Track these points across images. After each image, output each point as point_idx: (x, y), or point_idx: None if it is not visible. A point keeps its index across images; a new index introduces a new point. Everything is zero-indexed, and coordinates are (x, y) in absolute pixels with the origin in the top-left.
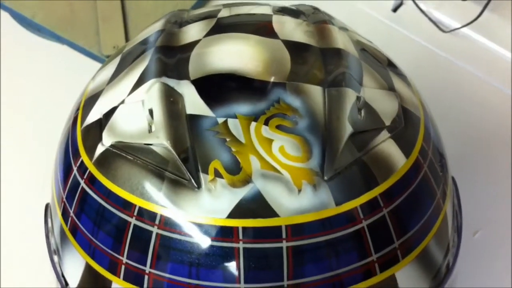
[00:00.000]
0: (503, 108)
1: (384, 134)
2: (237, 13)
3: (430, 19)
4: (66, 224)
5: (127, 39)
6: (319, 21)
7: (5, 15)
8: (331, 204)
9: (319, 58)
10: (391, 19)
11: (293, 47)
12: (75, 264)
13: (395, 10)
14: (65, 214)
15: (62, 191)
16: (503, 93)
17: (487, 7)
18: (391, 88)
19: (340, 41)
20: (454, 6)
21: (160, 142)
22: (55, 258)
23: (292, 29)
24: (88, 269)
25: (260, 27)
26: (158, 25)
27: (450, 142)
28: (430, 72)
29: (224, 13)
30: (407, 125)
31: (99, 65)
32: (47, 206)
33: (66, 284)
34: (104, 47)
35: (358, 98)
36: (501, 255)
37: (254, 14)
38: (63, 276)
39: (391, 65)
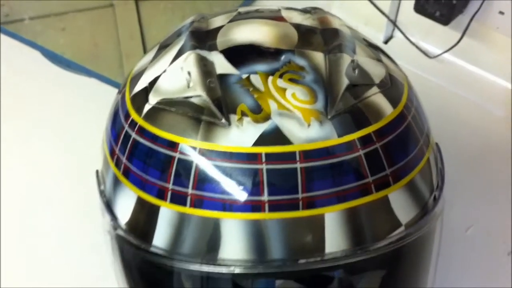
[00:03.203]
0: (485, 122)
1: (375, 89)
2: (252, 10)
3: (418, 47)
4: (119, 170)
5: None
6: (322, 16)
7: (37, 54)
8: (334, 136)
9: (320, 36)
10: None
11: (299, 28)
12: (127, 201)
13: (386, 42)
14: (118, 164)
15: (114, 147)
16: (486, 110)
17: (467, 34)
18: (379, 60)
19: (338, 24)
20: (438, 36)
21: (198, 94)
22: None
23: (298, 20)
24: (139, 201)
25: (272, 17)
26: (187, 21)
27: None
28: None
29: (241, 10)
30: (393, 86)
31: None
32: (97, 172)
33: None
34: None
35: (352, 61)
36: (491, 248)
37: (265, 10)
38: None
39: (382, 51)
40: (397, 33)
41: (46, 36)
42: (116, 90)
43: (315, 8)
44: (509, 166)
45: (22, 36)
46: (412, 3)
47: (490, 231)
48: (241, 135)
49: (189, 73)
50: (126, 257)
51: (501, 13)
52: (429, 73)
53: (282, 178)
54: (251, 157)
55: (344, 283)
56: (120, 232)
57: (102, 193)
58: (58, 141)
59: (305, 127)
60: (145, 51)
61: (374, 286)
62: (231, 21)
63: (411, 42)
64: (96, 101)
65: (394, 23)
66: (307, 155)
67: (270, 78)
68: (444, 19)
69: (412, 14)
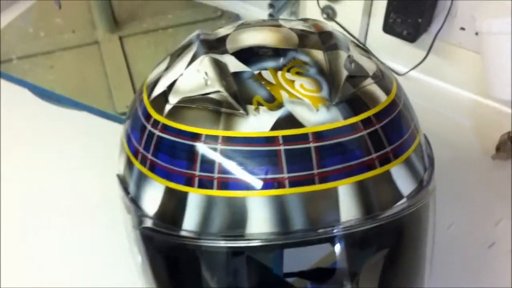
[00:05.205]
0: (454, 132)
1: (369, 80)
2: (252, 21)
3: (387, 67)
4: (145, 166)
5: None
6: (315, 23)
7: (25, 92)
8: (340, 118)
9: (317, 38)
10: None
11: (298, 31)
12: (155, 193)
13: None
14: (143, 161)
15: (138, 146)
16: (454, 121)
17: (432, 51)
18: (370, 58)
19: (330, 28)
20: (405, 55)
21: (216, 89)
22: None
23: (295, 25)
24: (167, 191)
25: (272, 24)
26: (193, 34)
27: None
28: None
29: (241, 22)
30: (384, 78)
31: (114, 124)
32: (118, 176)
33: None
34: (118, 107)
35: (349, 56)
36: (470, 242)
37: (264, 21)
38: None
39: (371, 53)
40: None
41: (35, 74)
42: (107, 121)
43: (306, 19)
44: (478, 170)
45: (12, 75)
46: (380, 25)
47: (469, 227)
48: (259, 122)
49: (206, 73)
50: (155, 247)
51: (462, 29)
52: None
53: (298, 157)
54: (270, 140)
55: (356, 255)
56: (148, 224)
57: (126, 193)
58: (57, 170)
59: (314, 112)
60: (132, 83)
61: (382, 259)
62: (236, 29)
63: (381, 62)
64: (88, 133)
65: (363, 45)
66: (318, 135)
67: (279, 72)
68: (411, 37)
69: (380, 35)
